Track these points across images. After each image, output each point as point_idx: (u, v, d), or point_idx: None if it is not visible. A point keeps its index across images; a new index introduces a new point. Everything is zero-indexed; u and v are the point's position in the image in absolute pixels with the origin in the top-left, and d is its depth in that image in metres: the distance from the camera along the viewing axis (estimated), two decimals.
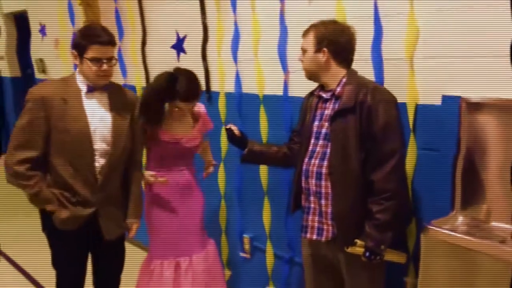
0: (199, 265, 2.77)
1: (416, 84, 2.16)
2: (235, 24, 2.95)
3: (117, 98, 2.37)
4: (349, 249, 2.03)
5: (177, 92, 2.53)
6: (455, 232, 1.84)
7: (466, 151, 1.95)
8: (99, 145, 2.29)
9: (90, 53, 2.20)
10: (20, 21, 6.02)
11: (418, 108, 2.16)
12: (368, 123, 1.96)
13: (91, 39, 2.20)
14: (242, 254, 3.19)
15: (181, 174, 2.74)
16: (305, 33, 2.11)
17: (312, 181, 2.10)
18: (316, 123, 2.13)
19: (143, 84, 3.76)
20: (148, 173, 2.65)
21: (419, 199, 2.21)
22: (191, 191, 2.78)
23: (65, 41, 4.55)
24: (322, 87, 2.15)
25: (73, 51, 2.27)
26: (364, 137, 1.97)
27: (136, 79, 3.84)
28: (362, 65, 2.33)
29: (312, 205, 2.13)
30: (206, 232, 2.91)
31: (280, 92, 2.78)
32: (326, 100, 2.12)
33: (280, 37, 2.71)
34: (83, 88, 2.30)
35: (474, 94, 1.92)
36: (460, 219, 1.96)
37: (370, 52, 2.28)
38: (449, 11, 2.01)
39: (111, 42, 2.24)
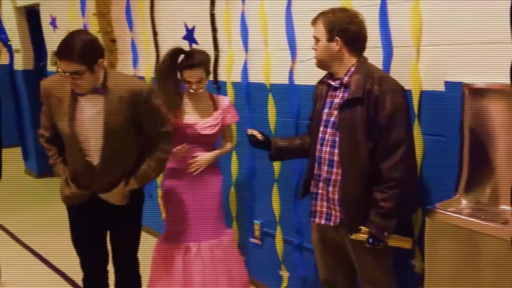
0: (210, 251, 2.83)
1: (420, 71, 2.19)
2: (243, 13, 2.99)
3: (114, 93, 2.30)
4: (353, 236, 2.08)
5: (179, 64, 2.67)
6: (459, 214, 1.88)
7: (470, 136, 1.97)
8: (91, 144, 2.34)
9: (59, 64, 2.19)
10: (30, 14, 6.11)
11: (423, 94, 2.19)
12: (375, 112, 1.98)
13: (57, 52, 2.19)
14: (252, 240, 3.26)
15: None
16: (314, 21, 2.12)
17: (324, 168, 2.14)
18: (325, 110, 2.16)
19: (153, 75, 3.82)
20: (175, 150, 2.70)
21: (424, 184, 2.25)
22: (207, 179, 2.82)
23: None
24: (330, 75, 2.17)
25: None
26: (372, 126, 1.99)
27: (146, 70, 3.90)
28: (369, 52, 2.36)
29: (320, 191, 2.18)
30: (223, 221, 2.97)
31: (286, 81, 2.82)
32: (335, 88, 2.14)
33: (288, 26, 2.74)
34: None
35: (476, 80, 1.95)
36: (464, 202, 1.99)
37: (376, 39, 2.31)
38: None
39: (70, 58, 2.13)
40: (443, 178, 2.13)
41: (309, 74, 2.67)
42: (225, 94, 3.18)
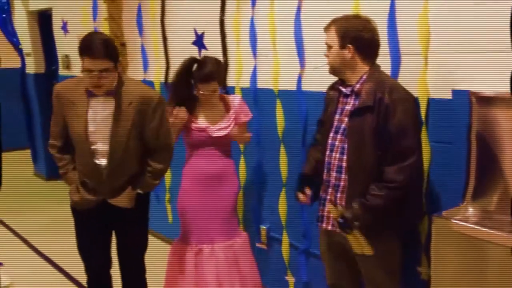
0: (222, 253, 2.85)
1: (428, 79, 2.20)
2: (252, 19, 3.02)
3: (124, 98, 2.35)
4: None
5: (193, 74, 2.74)
6: (465, 222, 1.88)
7: (477, 144, 1.98)
8: (100, 146, 2.37)
9: (83, 63, 2.24)
10: (42, 18, 6.19)
11: (430, 102, 2.20)
12: (386, 121, 1.98)
13: (84, 51, 2.23)
14: (258, 245, 3.27)
15: (212, 162, 2.84)
16: (327, 28, 2.12)
17: (333, 174, 2.15)
18: (337, 116, 2.16)
19: (162, 80, 3.86)
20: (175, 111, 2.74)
21: (431, 191, 2.25)
22: (221, 180, 2.86)
23: None
24: (342, 81, 2.16)
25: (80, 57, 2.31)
26: (381, 135, 1.99)
27: (156, 75, 3.94)
28: (378, 61, 2.38)
29: (329, 197, 2.18)
30: (237, 223, 2.99)
31: (294, 87, 2.84)
32: (346, 95, 2.14)
33: (296, 32, 2.76)
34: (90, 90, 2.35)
35: (484, 88, 1.96)
36: (471, 210, 1.99)
37: (385, 48, 2.33)
38: (459, 6, 2.05)
39: (100, 55, 2.20)
40: (450, 185, 2.13)
41: (317, 80, 2.70)
42: None
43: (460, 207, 2.01)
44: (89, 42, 2.24)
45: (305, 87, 2.78)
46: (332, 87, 2.26)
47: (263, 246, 3.24)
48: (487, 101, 1.94)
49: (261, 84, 3.06)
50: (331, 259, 2.34)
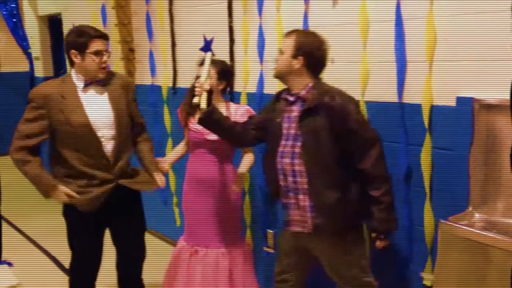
0: (214, 259, 2.87)
1: (432, 86, 2.23)
2: (260, 26, 3.05)
3: (113, 85, 2.55)
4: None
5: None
6: (471, 228, 1.90)
7: (480, 150, 2.00)
8: (105, 132, 2.49)
9: (93, 47, 2.41)
10: (53, 23, 6.26)
11: (433, 109, 2.23)
12: (342, 120, 2.11)
13: (91, 34, 2.42)
14: (266, 249, 3.29)
15: (205, 167, 2.85)
16: (287, 35, 2.24)
17: (290, 179, 2.23)
18: (285, 125, 2.25)
19: (170, 84, 3.90)
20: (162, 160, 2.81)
21: (436, 197, 2.28)
22: (217, 186, 2.85)
23: None
24: (288, 91, 2.27)
25: (72, 51, 2.43)
26: (338, 134, 2.12)
27: (163, 80, 3.98)
28: (384, 67, 2.41)
29: (292, 201, 2.27)
30: (239, 233, 3.01)
31: None
32: (291, 103, 2.24)
33: None
34: (80, 84, 2.49)
35: (488, 95, 1.98)
36: (477, 215, 2.01)
37: (391, 54, 2.36)
38: (464, 14, 2.08)
39: (106, 37, 2.50)
40: (455, 191, 2.15)
41: None
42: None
43: (466, 213, 2.03)
44: (90, 28, 2.48)
45: None
46: (278, 97, 2.34)
47: (271, 250, 3.26)
48: (490, 108, 1.97)
49: (268, 89, 3.09)
50: (292, 256, 2.41)
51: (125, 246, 2.71)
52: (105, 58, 2.46)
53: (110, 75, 2.59)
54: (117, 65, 4.50)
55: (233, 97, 3.30)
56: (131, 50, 4.30)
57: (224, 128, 2.45)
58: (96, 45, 2.42)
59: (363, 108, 2.52)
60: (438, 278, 2.01)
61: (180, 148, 3.03)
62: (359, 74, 2.52)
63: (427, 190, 2.31)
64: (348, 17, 2.52)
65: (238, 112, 2.85)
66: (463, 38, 2.09)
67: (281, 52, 2.22)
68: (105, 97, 2.52)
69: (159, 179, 2.64)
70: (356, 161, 2.13)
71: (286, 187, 2.27)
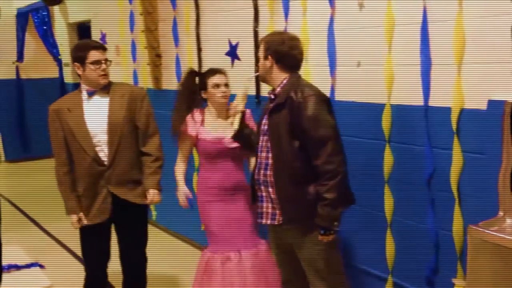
0: (249, 261, 2.89)
1: (462, 89, 2.19)
2: (286, 30, 3.05)
3: (117, 93, 2.70)
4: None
5: (200, 82, 2.88)
6: (501, 233, 1.86)
7: (510, 154, 1.96)
8: (101, 137, 2.65)
9: (91, 57, 2.61)
10: (82, 30, 6.40)
11: (464, 112, 2.20)
12: (298, 116, 2.19)
13: (88, 47, 2.64)
14: None
15: (231, 175, 2.87)
16: (260, 42, 2.39)
17: (262, 172, 2.36)
18: (263, 121, 2.39)
19: None
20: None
21: (466, 201, 2.24)
22: (241, 191, 2.88)
23: (125, 48, 4.82)
24: (273, 89, 2.38)
25: (75, 63, 2.66)
26: (294, 128, 2.21)
27: None
28: (409, 70, 2.38)
29: (264, 194, 2.37)
30: (257, 232, 3.01)
31: None
32: (271, 100, 2.36)
33: (329, 43, 2.78)
34: (85, 94, 2.69)
35: None
36: (508, 221, 1.97)
37: (416, 57, 2.33)
38: (494, 16, 2.04)
39: (103, 47, 2.68)
40: (485, 196, 2.10)
41: (350, 90, 2.71)
42: None
43: (497, 218, 1.99)
44: (88, 41, 2.77)
45: (339, 97, 2.79)
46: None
47: None
48: None
49: None
50: (279, 255, 2.52)
51: (127, 235, 2.85)
52: (104, 66, 2.64)
53: (119, 85, 2.77)
54: (143, 71, 4.57)
55: (260, 101, 3.31)
56: (158, 56, 4.35)
57: (252, 140, 2.55)
58: (94, 55, 2.61)
59: (387, 110, 2.50)
60: (470, 285, 1.97)
61: (182, 166, 2.98)
62: (384, 77, 2.50)
63: (455, 194, 2.27)
64: (374, 21, 2.51)
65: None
66: (494, 40, 2.05)
67: (259, 58, 2.38)
68: (105, 103, 2.68)
69: (151, 196, 2.72)
70: (311, 157, 2.20)
71: (258, 180, 2.38)
